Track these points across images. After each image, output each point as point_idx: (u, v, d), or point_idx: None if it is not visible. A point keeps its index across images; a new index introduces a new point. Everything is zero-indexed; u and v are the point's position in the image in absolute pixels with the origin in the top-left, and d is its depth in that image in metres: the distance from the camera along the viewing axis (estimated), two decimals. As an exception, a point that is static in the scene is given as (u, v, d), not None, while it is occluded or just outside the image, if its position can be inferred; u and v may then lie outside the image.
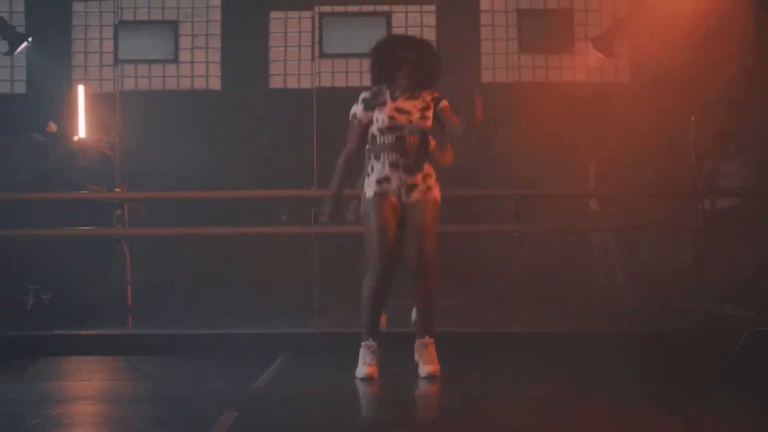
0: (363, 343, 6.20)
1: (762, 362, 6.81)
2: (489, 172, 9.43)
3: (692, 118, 8.49)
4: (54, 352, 7.32)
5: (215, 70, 10.50)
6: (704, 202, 8.25)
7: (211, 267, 9.52)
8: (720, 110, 8.98)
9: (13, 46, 9.87)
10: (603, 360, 6.91)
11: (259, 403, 5.58)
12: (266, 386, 6.07)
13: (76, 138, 9.61)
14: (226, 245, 9.60)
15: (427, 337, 6.21)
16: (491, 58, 10.45)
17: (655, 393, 5.80)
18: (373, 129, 6.24)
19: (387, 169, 6.18)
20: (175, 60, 10.50)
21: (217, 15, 10.49)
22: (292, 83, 10.47)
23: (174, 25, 10.50)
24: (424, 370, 6.14)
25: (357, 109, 6.29)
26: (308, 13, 10.38)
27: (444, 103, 6.29)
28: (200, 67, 10.51)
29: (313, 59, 10.33)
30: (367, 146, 6.33)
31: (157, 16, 10.51)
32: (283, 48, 10.46)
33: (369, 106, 6.24)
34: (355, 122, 6.29)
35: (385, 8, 10.38)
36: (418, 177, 6.20)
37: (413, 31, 10.01)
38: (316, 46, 10.37)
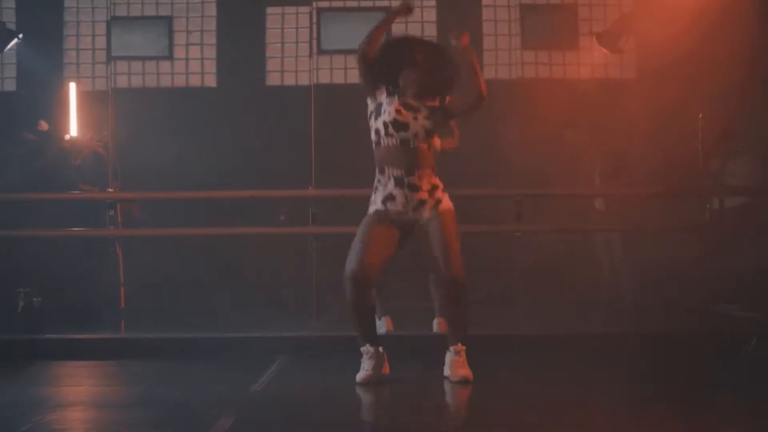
0: (361, 348, 6.18)
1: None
2: (490, 171, 9.42)
3: (700, 116, 8.48)
4: (45, 356, 7.27)
5: (210, 66, 10.49)
6: (712, 201, 8.24)
7: (206, 268, 9.50)
8: (731, 105, 8.96)
9: (3, 42, 9.86)
10: (604, 361, 6.88)
11: (257, 407, 5.56)
12: (264, 389, 6.04)
13: (67, 137, 9.61)
14: (223, 246, 9.59)
15: (459, 344, 6.14)
16: (493, 54, 10.44)
17: (663, 395, 5.78)
18: (377, 123, 6.16)
19: (391, 187, 6.10)
20: (170, 57, 10.49)
21: (212, 10, 10.49)
22: (289, 80, 10.46)
23: (168, 20, 10.49)
24: (455, 374, 6.07)
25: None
26: (306, 9, 10.37)
27: (449, 98, 6.23)
28: (195, 63, 10.50)
29: (311, 55, 10.32)
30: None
31: (150, 11, 10.50)
32: (280, 44, 10.45)
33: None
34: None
35: (385, 3, 10.35)
36: (424, 193, 6.10)
37: (413, 27, 9.99)
38: (314, 42, 10.35)
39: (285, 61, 10.44)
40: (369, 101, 6.24)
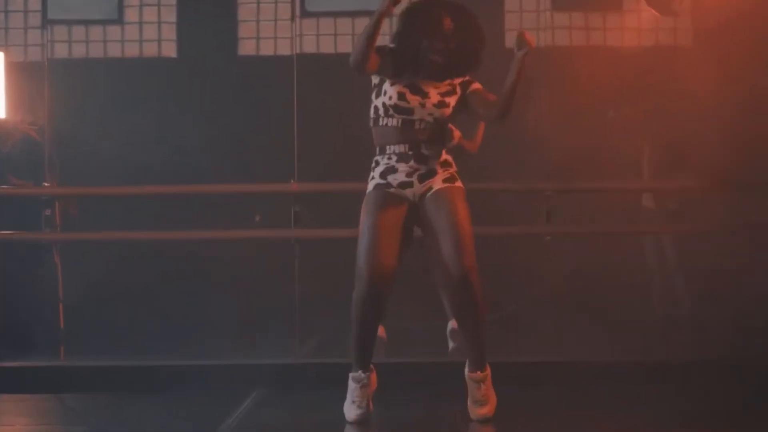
0: (351, 375, 6.18)
1: None
2: (512, 161, 9.41)
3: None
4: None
5: (170, 32, 10.46)
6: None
7: (165, 280, 9.48)
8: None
9: None
10: (657, 393, 6.89)
11: (226, 452, 5.60)
12: (236, 428, 6.06)
13: (-7, 118, 9.60)
14: (185, 253, 9.55)
15: (479, 372, 6.19)
16: (517, 16, 10.40)
17: None
18: (377, 102, 6.19)
19: (394, 161, 6.17)
20: (119, 20, 10.46)
21: (171, -37, 10.48)
22: (266, 49, 10.43)
23: (117, -24, 10.49)
24: (475, 412, 6.18)
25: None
26: (287, -39, 10.37)
27: (476, 85, 6.26)
28: (151, 29, 10.47)
29: (293, 19, 10.30)
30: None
31: (95, -36, 10.50)
32: (255, 4, 10.43)
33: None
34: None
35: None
36: (435, 164, 6.18)
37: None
38: (297, 2, 10.34)
39: (261, 25, 10.42)
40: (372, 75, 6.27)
